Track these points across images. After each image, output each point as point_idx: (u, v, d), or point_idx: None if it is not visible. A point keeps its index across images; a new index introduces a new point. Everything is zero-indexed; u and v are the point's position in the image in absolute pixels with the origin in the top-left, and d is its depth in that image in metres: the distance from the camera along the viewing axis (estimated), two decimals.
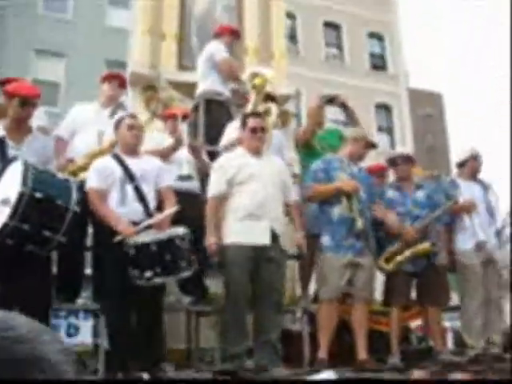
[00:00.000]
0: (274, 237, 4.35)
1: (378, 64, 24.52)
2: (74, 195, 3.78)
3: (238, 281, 4.24)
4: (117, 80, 5.34)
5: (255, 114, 4.79)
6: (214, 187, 4.40)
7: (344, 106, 6.09)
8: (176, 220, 4.26)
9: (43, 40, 19.21)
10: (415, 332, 7.12)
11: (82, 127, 4.99)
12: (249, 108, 5.36)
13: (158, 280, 3.93)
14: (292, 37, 22.95)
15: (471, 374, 3.72)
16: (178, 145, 5.04)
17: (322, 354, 4.54)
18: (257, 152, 4.53)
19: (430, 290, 5.02)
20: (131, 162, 4.25)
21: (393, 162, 5.36)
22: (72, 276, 4.76)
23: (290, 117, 6.78)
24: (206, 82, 6.00)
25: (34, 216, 3.62)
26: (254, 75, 5.54)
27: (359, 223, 4.59)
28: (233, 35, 6.29)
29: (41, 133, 4.57)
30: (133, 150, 4.35)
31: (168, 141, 5.12)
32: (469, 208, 5.33)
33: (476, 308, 5.20)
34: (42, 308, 3.92)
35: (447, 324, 7.48)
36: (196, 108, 6.02)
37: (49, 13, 19.84)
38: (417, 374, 4.09)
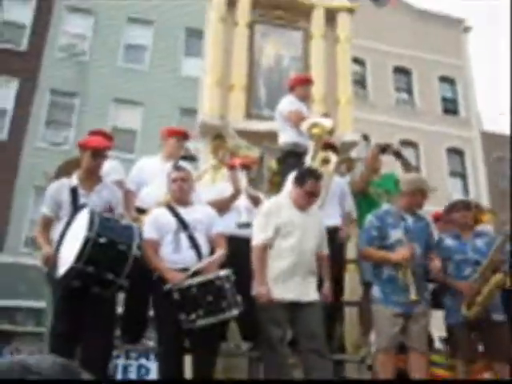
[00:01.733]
0: (311, 299, 4.45)
1: (450, 108, 24.19)
2: (136, 241, 4.03)
3: (273, 329, 4.33)
4: (179, 135, 5.61)
5: (317, 176, 4.71)
6: (262, 232, 4.50)
7: (398, 155, 6.09)
8: (234, 265, 4.41)
9: (122, 89, 20.19)
10: None
11: (148, 180, 5.27)
12: (308, 157, 5.47)
13: (201, 322, 4.06)
14: (362, 82, 23.09)
15: None
16: (236, 195, 5.21)
17: None
18: (304, 209, 4.64)
19: (492, 346, 4.88)
20: (184, 212, 4.52)
21: (452, 208, 5.29)
22: (136, 317, 4.95)
23: (354, 163, 6.82)
24: (284, 136, 6.11)
25: (98, 259, 3.89)
26: (313, 125, 5.65)
27: (413, 295, 4.53)
28: (304, 84, 6.35)
29: (117, 186, 4.89)
30: (183, 201, 4.62)
31: (230, 190, 5.29)
32: None
33: None
34: (104, 348, 4.11)
35: None
36: (281, 160, 6.17)
37: (127, 64, 20.87)
38: None
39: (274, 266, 4.44)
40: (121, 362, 9.24)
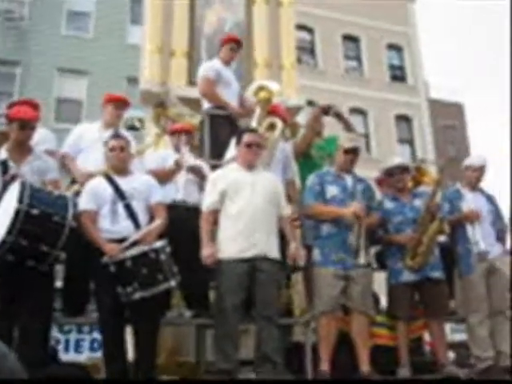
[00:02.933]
0: (267, 249, 4.39)
1: (398, 75, 24.44)
2: (71, 211, 3.92)
3: (227, 296, 4.31)
4: (117, 102, 5.43)
5: (250, 129, 4.86)
6: (208, 200, 4.52)
7: (339, 116, 6.09)
8: (175, 233, 4.39)
9: (66, 58, 19.58)
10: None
11: (87, 147, 5.11)
12: (253, 122, 5.40)
13: (136, 295, 4.02)
14: (311, 50, 23.04)
15: None
16: (178, 169, 5.12)
17: (324, 365, 4.54)
18: (250, 166, 4.60)
19: (430, 302, 5.03)
20: (122, 181, 4.42)
21: (390, 173, 5.35)
22: (77, 290, 4.85)
23: (299, 128, 6.79)
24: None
25: (31, 232, 3.77)
26: (260, 89, 5.56)
27: (362, 259, 4.63)
28: (227, 43, 6.21)
29: (49, 156, 4.71)
30: (121, 170, 4.51)
31: (173, 157, 5.20)
32: (473, 217, 5.30)
33: (481, 319, 5.14)
34: (43, 322, 4.02)
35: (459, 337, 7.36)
36: (202, 124, 6.09)
37: (71, 32, 20.22)
38: None
39: (227, 227, 4.42)
40: (73, 336, 9.13)
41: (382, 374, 4.75)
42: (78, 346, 8.67)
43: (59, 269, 4.75)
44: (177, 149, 5.35)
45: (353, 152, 4.99)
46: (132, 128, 6.11)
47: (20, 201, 3.72)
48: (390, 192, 5.43)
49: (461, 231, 5.39)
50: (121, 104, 5.43)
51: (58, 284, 4.89)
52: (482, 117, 60.07)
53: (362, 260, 4.68)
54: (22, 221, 3.71)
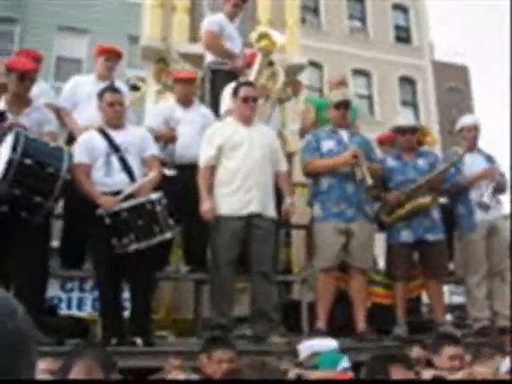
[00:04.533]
0: (263, 206, 4.36)
1: (403, 36, 24.04)
2: (66, 163, 3.86)
3: (222, 251, 4.31)
4: (109, 53, 5.32)
5: (247, 83, 4.75)
6: (204, 155, 4.47)
7: None
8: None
9: (66, 17, 19.24)
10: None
11: (82, 100, 5.03)
12: (253, 71, 5.28)
13: (133, 247, 4.00)
14: (315, 11, 22.62)
15: (463, 347, 3.66)
16: (169, 141, 5.02)
17: (321, 323, 4.55)
18: (247, 121, 4.53)
19: (429, 263, 5.02)
20: (116, 135, 4.35)
21: (399, 131, 5.28)
22: (75, 245, 4.84)
23: (300, 87, 6.67)
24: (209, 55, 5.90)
25: (25, 182, 3.72)
26: (262, 36, 5.38)
27: (369, 181, 4.57)
28: None
29: (48, 109, 4.63)
30: (116, 124, 4.43)
31: (176, 111, 5.12)
32: (488, 175, 5.25)
33: (479, 280, 5.14)
34: (38, 275, 4.01)
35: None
36: (203, 80, 5.98)
37: None
38: (416, 351, 4.02)
39: (223, 183, 4.40)
40: (75, 295, 9.19)
41: (378, 332, 4.77)
42: (80, 304, 8.69)
43: (56, 227, 4.76)
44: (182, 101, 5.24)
45: (343, 106, 4.92)
46: (134, 88, 6.02)
47: (14, 150, 3.66)
48: (394, 151, 5.38)
49: (461, 193, 5.35)
50: (112, 55, 5.32)
51: (56, 244, 4.91)
52: (486, 80, 59.35)
53: (367, 210, 4.69)
54: (15, 170, 3.65)
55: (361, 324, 4.61)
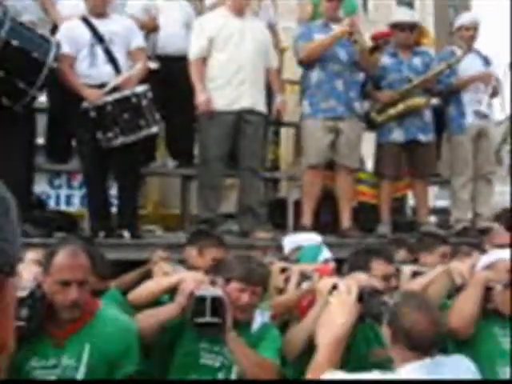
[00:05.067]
0: (255, 101, 4.31)
1: None
2: (53, 52, 3.69)
3: (212, 146, 4.29)
4: None
5: None
6: (195, 47, 4.35)
7: None
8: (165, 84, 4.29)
9: None
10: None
11: None
12: None
13: (119, 140, 3.94)
14: None
15: (450, 247, 3.73)
16: (151, 31, 4.82)
17: (306, 220, 4.61)
18: (240, 12, 4.37)
19: (417, 163, 5.02)
20: (100, 24, 4.16)
21: (397, 27, 5.10)
22: (61, 140, 4.77)
23: None
24: None
25: (9, 64, 3.58)
26: None
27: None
28: None
29: None
30: (100, 12, 4.22)
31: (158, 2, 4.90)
32: (486, 79, 5.15)
33: (464, 182, 5.18)
34: (24, 168, 3.98)
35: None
36: None
37: None
38: (402, 254, 4.07)
39: (214, 77, 4.31)
40: (63, 192, 9.20)
41: (362, 230, 4.85)
42: (68, 200, 8.69)
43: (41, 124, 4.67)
44: None
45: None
46: None
47: (0, 25, 3.49)
48: (389, 48, 5.23)
49: (453, 94, 5.27)
50: None
51: (41, 141, 4.83)
52: None
53: (356, 108, 4.64)
54: (0, 49, 3.49)
55: (345, 221, 4.68)
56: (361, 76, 4.87)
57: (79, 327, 2.20)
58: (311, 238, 3.74)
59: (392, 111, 4.89)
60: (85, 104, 3.96)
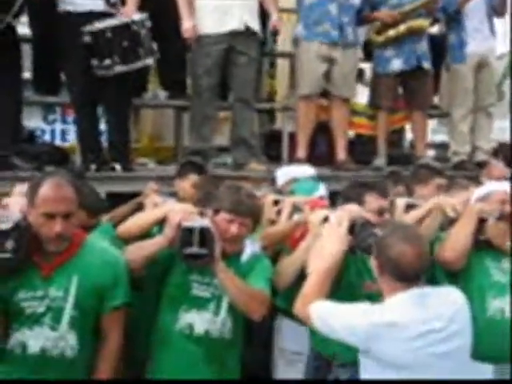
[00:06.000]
0: (245, 21, 4.20)
1: None
2: None
3: (203, 76, 4.19)
4: None
5: None
6: None
7: None
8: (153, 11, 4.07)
9: None
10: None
11: None
12: None
13: (118, 68, 3.82)
14: None
15: (447, 180, 3.67)
16: None
17: (300, 153, 4.54)
18: None
19: (413, 93, 4.89)
20: None
21: None
22: (49, 69, 4.63)
23: None
24: None
25: None
26: None
27: None
28: None
29: None
30: None
31: None
32: None
33: (464, 113, 5.08)
34: (11, 101, 3.88)
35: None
36: None
37: None
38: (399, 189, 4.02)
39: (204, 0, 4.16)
40: (58, 126, 9.10)
41: (357, 163, 4.80)
42: (63, 135, 8.62)
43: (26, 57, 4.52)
44: None
45: None
46: None
47: None
48: None
49: (456, 21, 5.09)
50: None
51: (28, 75, 4.69)
52: None
53: (350, 35, 4.52)
54: None
55: (341, 154, 4.62)
56: (356, 0, 4.66)
57: (66, 259, 2.18)
58: (305, 171, 3.69)
59: (392, 32, 4.67)
60: (83, 28, 3.77)
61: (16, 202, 2.57)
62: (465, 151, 5.12)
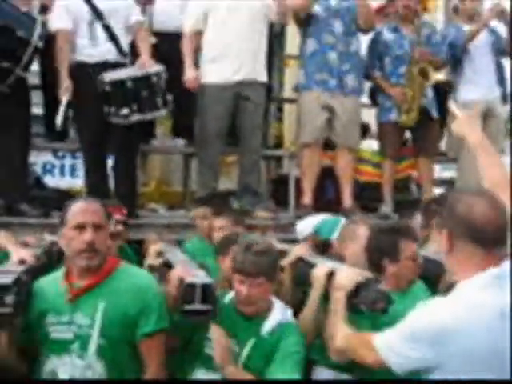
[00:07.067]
0: (253, 72, 4.28)
1: None
2: (38, 30, 3.65)
3: (210, 122, 4.25)
4: None
5: None
6: (189, 19, 4.31)
7: None
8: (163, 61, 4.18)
9: None
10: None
11: None
12: None
13: (135, 117, 3.90)
14: None
15: None
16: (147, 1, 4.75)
17: (306, 200, 4.54)
18: None
19: (422, 141, 4.91)
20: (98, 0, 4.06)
21: None
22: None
23: None
24: None
25: None
26: None
27: None
28: None
29: None
30: None
31: None
32: (497, 12, 4.92)
33: (472, 160, 5.03)
34: (19, 151, 3.96)
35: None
36: None
37: None
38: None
39: (210, 49, 4.28)
40: (68, 162, 9.21)
41: (364, 209, 4.78)
42: (73, 170, 8.68)
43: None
44: None
45: None
46: None
47: None
48: (391, 21, 5.08)
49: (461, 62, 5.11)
50: None
51: (39, 111, 4.78)
52: None
53: (350, 83, 4.54)
54: None
55: (347, 201, 4.61)
56: (357, 47, 4.70)
57: (94, 284, 2.15)
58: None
59: (415, 104, 4.72)
60: (103, 77, 3.87)
61: (16, 252, 2.57)
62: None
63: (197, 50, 4.32)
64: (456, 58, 5.11)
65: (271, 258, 2.34)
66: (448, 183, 6.47)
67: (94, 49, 4.03)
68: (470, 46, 5.04)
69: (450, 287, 2.14)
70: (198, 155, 4.47)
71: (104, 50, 4.04)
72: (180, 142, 4.98)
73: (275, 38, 5.13)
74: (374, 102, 5.26)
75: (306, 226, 3.65)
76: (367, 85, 5.23)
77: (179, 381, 2.34)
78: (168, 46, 4.52)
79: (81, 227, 2.11)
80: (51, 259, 2.72)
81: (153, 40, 4.55)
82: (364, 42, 5.00)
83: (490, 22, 4.99)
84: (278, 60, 5.43)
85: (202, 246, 3.66)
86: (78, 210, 2.15)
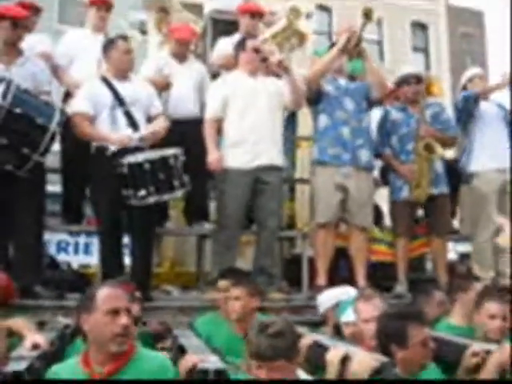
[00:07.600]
0: (272, 158, 4.38)
1: None
2: (56, 117, 3.76)
3: (230, 204, 4.31)
4: (103, 4, 5.13)
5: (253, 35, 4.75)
6: (210, 107, 4.45)
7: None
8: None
9: None
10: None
11: (79, 54, 4.87)
12: (269, 31, 5.15)
13: (152, 199, 3.95)
14: None
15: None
16: (163, 89, 4.91)
17: (320, 280, 4.52)
18: (254, 73, 4.48)
19: (434, 219, 4.92)
20: (121, 87, 4.21)
21: (406, 81, 5.07)
22: (76, 197, 4.82)
23: (305, 37, 6.47)
24: (212, 1, 5.72)
25: (13, 131, 3.65)
26: (294, 10, 5.16)
27: None
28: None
29: (43, 59, 4.50)
30: (124, 75, 4.29)
31: (170, 66, 5.02)
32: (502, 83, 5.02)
33: (488, 238, 5.02)
34: (33, 234, 4.01)
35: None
36: (204, 31, 5.80)
37: None
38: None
39: (230, 135, 4.40)
40: (82, 239, 9.26)
41: (378, 288, 4.74)
42: (87, 248, 8.73)
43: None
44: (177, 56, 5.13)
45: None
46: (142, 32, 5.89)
47: (3, 97, 3.58)
48: (399, 103, 5.23)
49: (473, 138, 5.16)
50: (102, 5, 5.12)
51: (56, 189, 4.88)
52: (501, 27, 57.69)
53: (363, 159, 4.61)
54: (3, 117, 3.57)
55: (361, 281, 4.58)
56: (368, 123, 4.81)
57: (119, 368, 2.15)
58: (348, 292, 3.73)
59: (424, 181, 4.78)
60: (122, 160, 3.96)
61: (30, 337, 2.57)
62: (489, 276, 5.02)
63: (217, 134, 4.46)
64: (467, 112, 5.14)
65: (289, 338, 2.25)
66: (462, 258, 6.45)
67: (113, 135, 4.11)
68: (481, 123, 5.12)
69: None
70: (215, 239, 4.52)
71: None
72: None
73: (287, 119, 5.27)
74: (385, 181, 5.33)
75: (329, 297, 3.74)
76: (377, 164, 5.33)
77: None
78: (181, 130, 4.64)
79: (114, 312, 2.14)
80: (64, 343, 2.72)
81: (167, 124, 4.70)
82: (373, 121, 5.12)
83: (501, 89, 5.10)
84: (290, 141, 5.53)
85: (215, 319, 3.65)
86: (110, 295, 2.19)
